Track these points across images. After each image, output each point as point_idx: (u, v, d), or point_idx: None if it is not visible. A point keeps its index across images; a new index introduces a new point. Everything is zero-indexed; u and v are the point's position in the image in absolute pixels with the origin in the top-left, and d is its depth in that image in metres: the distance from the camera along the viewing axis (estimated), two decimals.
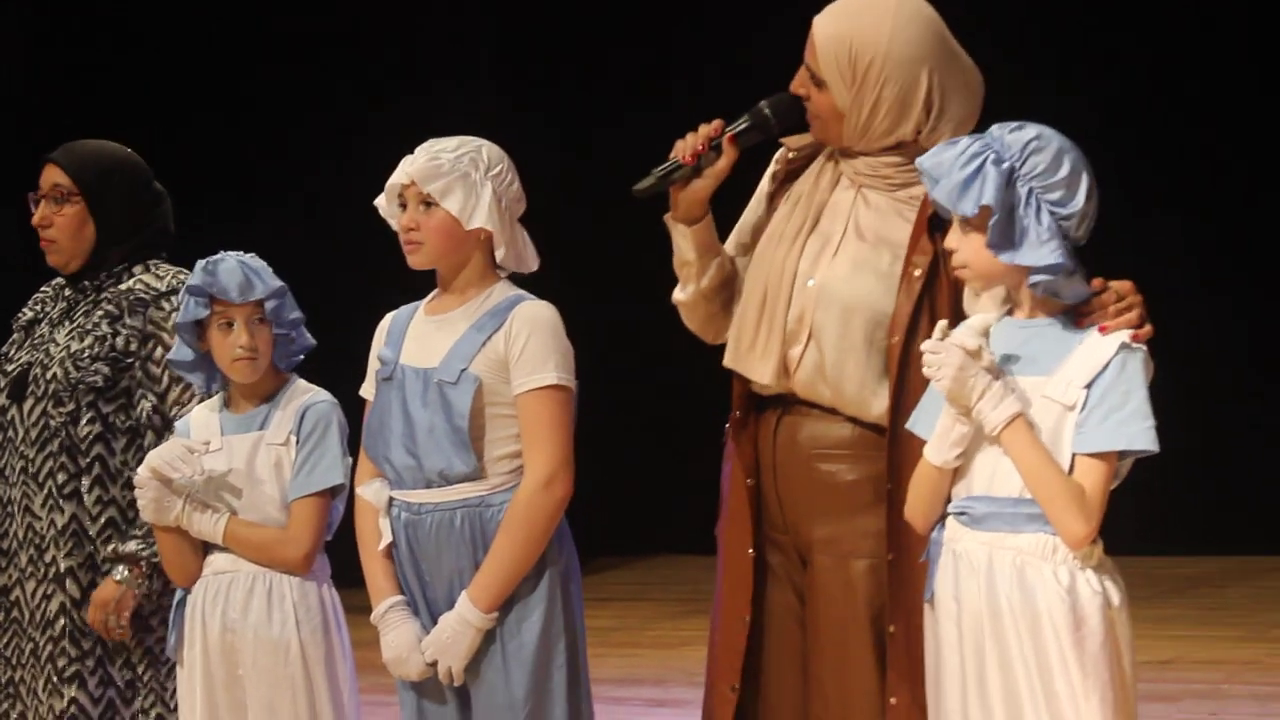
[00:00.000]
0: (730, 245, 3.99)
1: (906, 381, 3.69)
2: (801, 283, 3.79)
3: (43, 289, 4.77)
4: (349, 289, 8.29)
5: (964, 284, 3.59)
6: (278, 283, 4.23)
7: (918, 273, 3.71)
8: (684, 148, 3.83)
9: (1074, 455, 3.40)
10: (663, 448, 10.52)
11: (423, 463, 3.94)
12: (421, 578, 3.98)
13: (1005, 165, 3.41)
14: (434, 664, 3.94)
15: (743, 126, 3.86)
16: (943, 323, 3.47)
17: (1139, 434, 3.38)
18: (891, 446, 3.72)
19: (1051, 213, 3.42)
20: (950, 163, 3.44)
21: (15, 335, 4.72)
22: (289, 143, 9.81)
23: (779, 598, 3.89)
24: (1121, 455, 3.42)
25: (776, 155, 3.97)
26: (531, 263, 4.08)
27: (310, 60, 9.97)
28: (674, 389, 10.20)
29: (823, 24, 3.80)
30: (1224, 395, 8.94)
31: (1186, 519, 9.11)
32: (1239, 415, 9.22)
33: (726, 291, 3.94)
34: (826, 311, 3.76)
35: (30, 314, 4.73)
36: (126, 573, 4.43)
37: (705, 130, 3.83)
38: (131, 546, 4.43)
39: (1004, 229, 3.41)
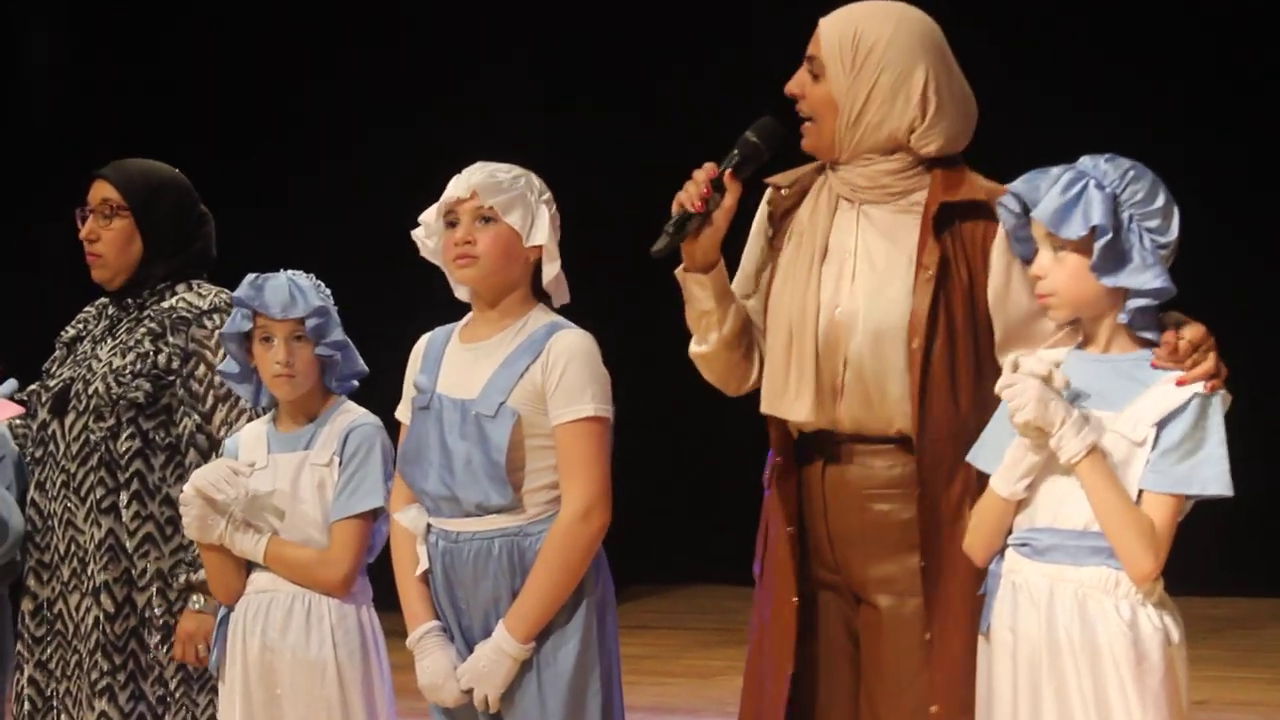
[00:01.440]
0: (736, 291, 3.95)
1: (929, 382, 3.71)
2: (827, 313, 3.77)
3: (86, 309, 4.80)
4: (382, 307, 8.30)
5: (1046, 307, 3.54)
6: (320, 302, 4.25)
7: (929, 274, 3.71)
8: (689, 197, 3.78)
9: (1141, 491, 3.40)
10: (698, 477, 10.51)
11: (459, 494, 3.93)
12: (457, 605, 3.97)
13: (1107, 190, 3.43)
14: (469, 691, 3.93)
15: (736, 160, 3.82)
16: (1012, 356, 3.47)
17: (1213, 478, 3.39)
18: (919, 448, 3.72)
19: (1152, 240, 3.44)
20: (1047, 187, 3.45)
21: (58, 352, 4.75)
22: (318, 156, 9.85)
23: (830, 638, 3.86)
24: (1190, 496, 3.43)
25: (766, 196, 3.94)
26: (565, 295, 4.08)
27: (342, 75, 10.01)
28: (710, 418, 10.16)
29: (830, 18, 3.83)
30: (1260, 436, 8.89)
31: (1222, 560, 9.05)
32: (1273, 457, 9.18)
33: (746, 337, 3.91)
34: (860, 337, 3.74)
35: (73, 331, 4.76)
36: (204, 601, 4.44)
37: (702, 175, 3.79)
38: (204, 575, 4.44)
39: (1110, 251, 3.42)
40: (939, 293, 3.71)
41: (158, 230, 4.65)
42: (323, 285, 4.32)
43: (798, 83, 3.83)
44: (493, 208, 3.96)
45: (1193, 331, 3.48)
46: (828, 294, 3.78)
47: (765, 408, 3.83)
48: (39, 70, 9.55)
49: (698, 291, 3.85)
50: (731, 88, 9.29)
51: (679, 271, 3.87)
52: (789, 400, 3.78)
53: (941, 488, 3.68)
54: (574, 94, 10.48)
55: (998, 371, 3.63)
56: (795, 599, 3.81)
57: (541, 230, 3.98)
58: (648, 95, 10.42)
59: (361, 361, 4.35)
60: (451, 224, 4.00)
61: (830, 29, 3.80)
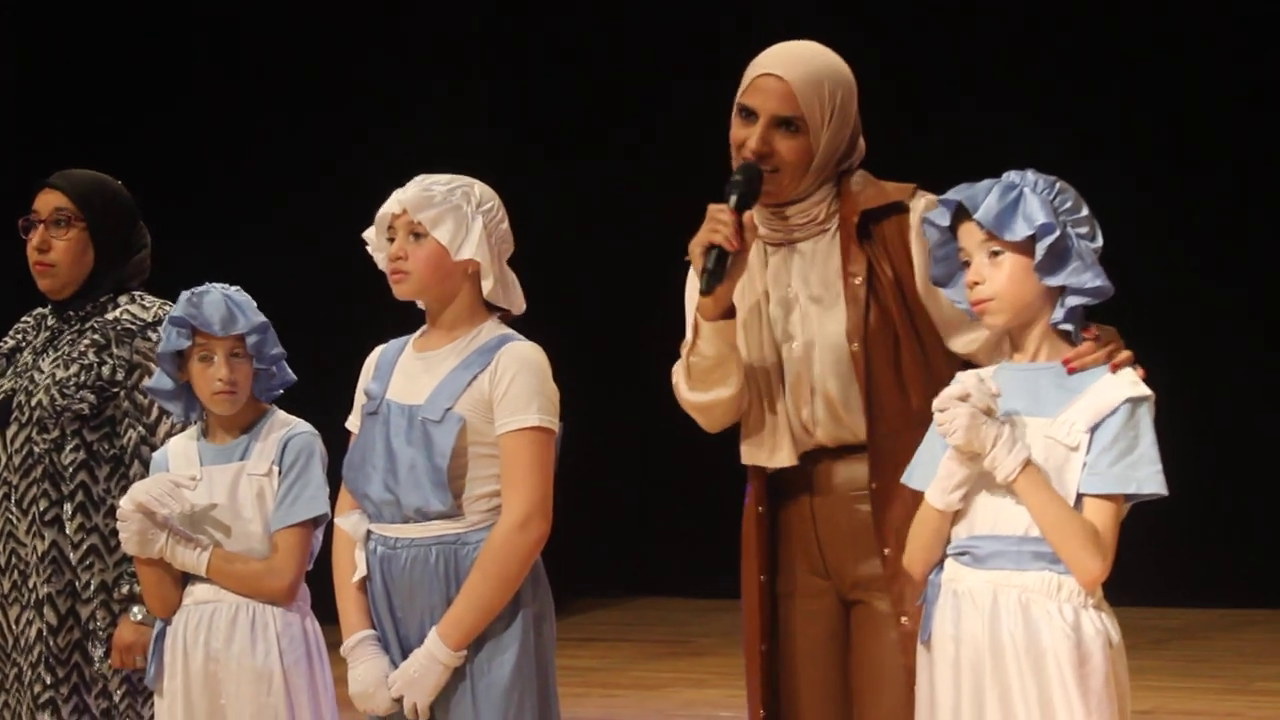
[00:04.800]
0: None
1: (874, 382, 3.77)
2: (785, 352, 3.83)
3: (24, 318, 4.77)
4: (337, 320, 8.28)
5: (983, 314, 3.55)
6: (260, 318, 4.25)
7: (858, 280, 3.78)
8: (723, 237, 3.70)
9: (1082, 496, 3.44)
10: (649, 489, 10.51)
11: (401, 499, 3.93)
12: (394, 613, 3.96)
13: (1041, 196, 3.49)
14: (401, 699, 3.92)
15: (742, 201, 3.76)
16: (959, 378, 3.48)
17: (1148, 478, 3.43)
18: (871, 445, 3.78)
19: (1084, 244, 3.50)
20: (983, 193, 3.50)
21: None
22: (275, 171, 9.82)
23: (811, 639, 3.90)
24: (1129, 498, 3.46)
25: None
26: (519, 304, 4.09)
27: (294, 90, 9.98)
28: (661, 430, 10.19)
29: (794, 70, 3.82)
30: (1207, 449, 8.94)
31: (1168, 572, 9.10)
32: (1224, 469, 9.22)
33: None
34: (818, 361, 3.81)
35: (11, 342, 4.74)
36: (143, 613, 4.42)
37: (727, 217, 3.72)
38: None
39: (1053, 250, 3.46)
40: (870, 297, 3.78)
41: (110, 241, 4.64)
42: (249, 297, 4.31)
43: (765, 141, 3.81)
44: (421, 223, 3.95)
45: (1106, 329, 3.55)
46: (780, 334, 3.85)
47: (747, 460, 3.87)
48: None
49: (718, 339, 3.80)
50: (699, 109, 9.35)
51: (698, 320, 3.81)
52: (768, 452, 3.84)
53: (895, 481, 3.69)
54: (535, 112, 10.48)
55: (947, 362, 3.75)
56: (762, 644, 3.87)
57: (471, 244, 3.96)
58: (614, 112, 10.43)
59: (290, 371, 4.34)
60: (391, 238, 4.00)
61: (803, 83, 3.81)
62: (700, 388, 3.85)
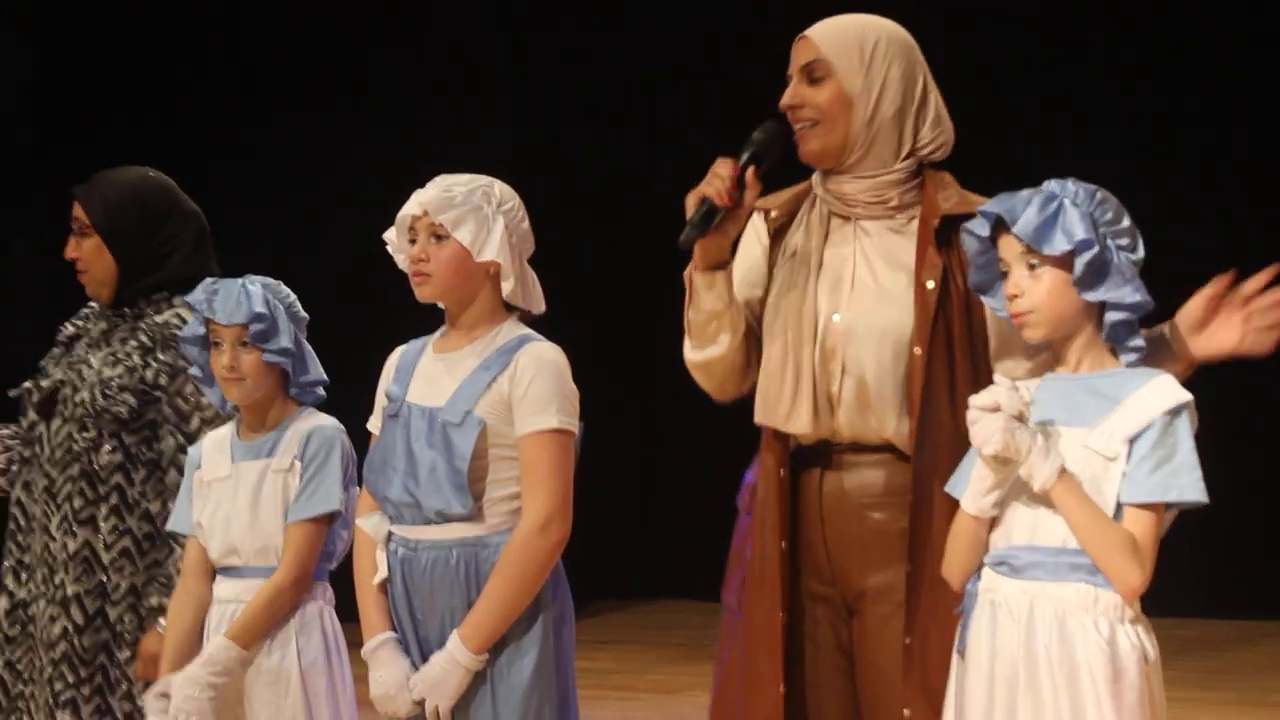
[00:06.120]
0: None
1: (929, 390, 3.71)
2: (825, 322, 3.77)
3: (90, 304, 4.76)
4: (357, 321, 8.30)
5: (1023, 326, 3.55)
6: (261, 308, 4.26)
7: (930, 285, 3.72)
8: (716, 191, 3.70)
9: (1122, 505, 3.42)
10: (666, 492, 10.52)
11: (421, 501, 3.93)
12: (415, 615, 3.96)
13: (1082, 208, 3.48)
14: (422, 702, 3.91)
15: (752, 157, 3.76)
16: (998, 385, 3.48)
17: (1188, 486, 3.41)
18: (916, 454, 3.71)
19: (1125, 256, 3.50)
20: (1022, 205, 3.49)
21: (55, 349, 4.72)
22: (286, 170, 9.84)
23: (820, 657, 3.84)
24: (1169, 506, 3.45)
25: (752, 220, 3.93)
26: (538, 304, 4.09)
27: (312, 87, 10.00)
28: (680, 433, 10.21)
29: (819, 27, 3.84)
30: (1227, 460, 8.92)
31: (1188, 582, 9.08)
32: (1243, 479, 9.22)
33: (751, 338, 3.85)
34: (860, 344, 3.75)
35: (72, 329, 4.72)
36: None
37: (725, 171, 3.72)
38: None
39: (1092, 265, 3.46)
40: (939, 304, 3.73)
41: (127, 244, 4.61)
42: (282, 290, 4.34)
43: (795, 94, 3.81)
44: (443, 224, 3.97)
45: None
46: (825, 304, 3.79)
47: (761, 418, 3.81)
48: (10, 86, 9.52)
49: (709, 292, 3.79)
50: (711, 107, 9.36)
51: (690, 272, 3.81)
52: (785, 412, 3.77)
53: (936, 495, 3.66)
54: (545, 111, 10.49)
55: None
56: (781, 614, 3.79)
57: (493, 245, 3.97)
58: (622, 112, 10.44)
59: (321, 370, 4.36)
60: (413, 240, 4.02)
61: (826, 34, 3.82)
62: (698, 344, 3.83)
